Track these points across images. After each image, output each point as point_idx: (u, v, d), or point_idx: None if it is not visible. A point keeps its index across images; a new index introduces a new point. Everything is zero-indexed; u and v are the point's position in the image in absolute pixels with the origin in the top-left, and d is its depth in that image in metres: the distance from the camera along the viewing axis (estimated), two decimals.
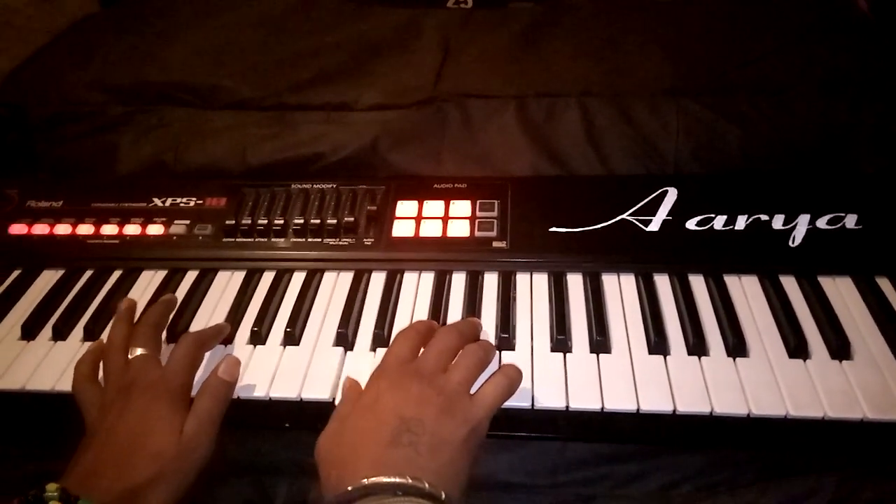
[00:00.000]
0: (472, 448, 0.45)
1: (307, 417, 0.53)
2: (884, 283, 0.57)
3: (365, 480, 0.40)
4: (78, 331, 0.59)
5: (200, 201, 0.67)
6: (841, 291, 0.57)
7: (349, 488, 0.40)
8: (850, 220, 0.60)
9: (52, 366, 0.56)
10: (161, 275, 0.64)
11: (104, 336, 0.57)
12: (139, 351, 0.50)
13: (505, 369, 0.49)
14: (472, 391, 0.47)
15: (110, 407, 0.47)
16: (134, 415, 0.46)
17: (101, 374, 0.51)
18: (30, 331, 0.59)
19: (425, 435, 0.42)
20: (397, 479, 0.40)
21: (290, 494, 0.56)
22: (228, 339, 0.57)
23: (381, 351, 0.54)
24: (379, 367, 0.49)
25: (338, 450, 0.44)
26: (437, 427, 0.43)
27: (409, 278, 0.61)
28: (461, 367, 0.48)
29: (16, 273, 0.65)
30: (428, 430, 0.43)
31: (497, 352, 0.53)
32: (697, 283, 0.59)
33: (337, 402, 0.51)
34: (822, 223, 0.60)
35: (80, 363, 0.52)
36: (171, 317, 0.57)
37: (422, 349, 0.49)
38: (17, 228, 0.67)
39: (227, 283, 0.62)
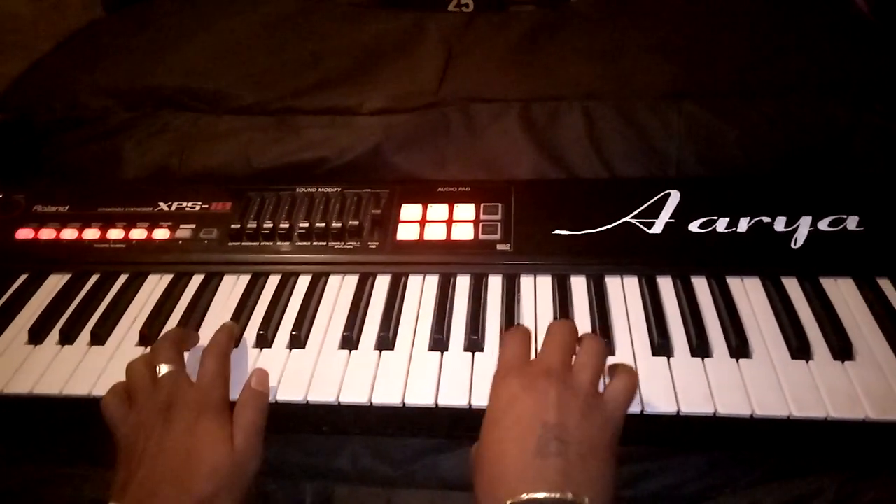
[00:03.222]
0: (616, 451, 0.42)
1: (312, 420, 0.54)
2: (885, 285, 0.57)
3: (524, 496, 0.38)
4: (85, 335, 0.59)
5: (206, 205, 0.68)
6: (843, 293, 0.57)
7: (508, 503, 0.38)
8: (852, 222, 0.60)
9: (59, 370, 0.56)
10: (167, 279, 0.64)
11: (113, 341, 0.58)
12: (165, 368, 0.49)
13: (624, 366, 0.47)
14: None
15: (152, 426, 0.46)
16: (180, 433, 0.45)
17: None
18: (37, 335, 0.59)
19: (572, 443, 0.40)
20: (557, 496, 0.38)
21: (317, 496, 0.57)
22: (235, 342, 0.57)
23: (386, 353, 0.55)
24: (501, 368, 0.46)
25: (484, 459, 0.42)
26: (582, 433, 0.41)
27: (414, 281, 0.62)
28: (587, 365, 0.45)
29: (23, 277, 0.65)
30: (574, 436, 0.40)
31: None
32: (700, 285, 0.59)
33: (342, 403, 0.52)
34: (823, 225, 0.60)
35: (117, 384, 0.51)
36: (189, 338, 0.56)
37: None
38: (24, 233, 0.67)
39: (232, 287, 0.63)
